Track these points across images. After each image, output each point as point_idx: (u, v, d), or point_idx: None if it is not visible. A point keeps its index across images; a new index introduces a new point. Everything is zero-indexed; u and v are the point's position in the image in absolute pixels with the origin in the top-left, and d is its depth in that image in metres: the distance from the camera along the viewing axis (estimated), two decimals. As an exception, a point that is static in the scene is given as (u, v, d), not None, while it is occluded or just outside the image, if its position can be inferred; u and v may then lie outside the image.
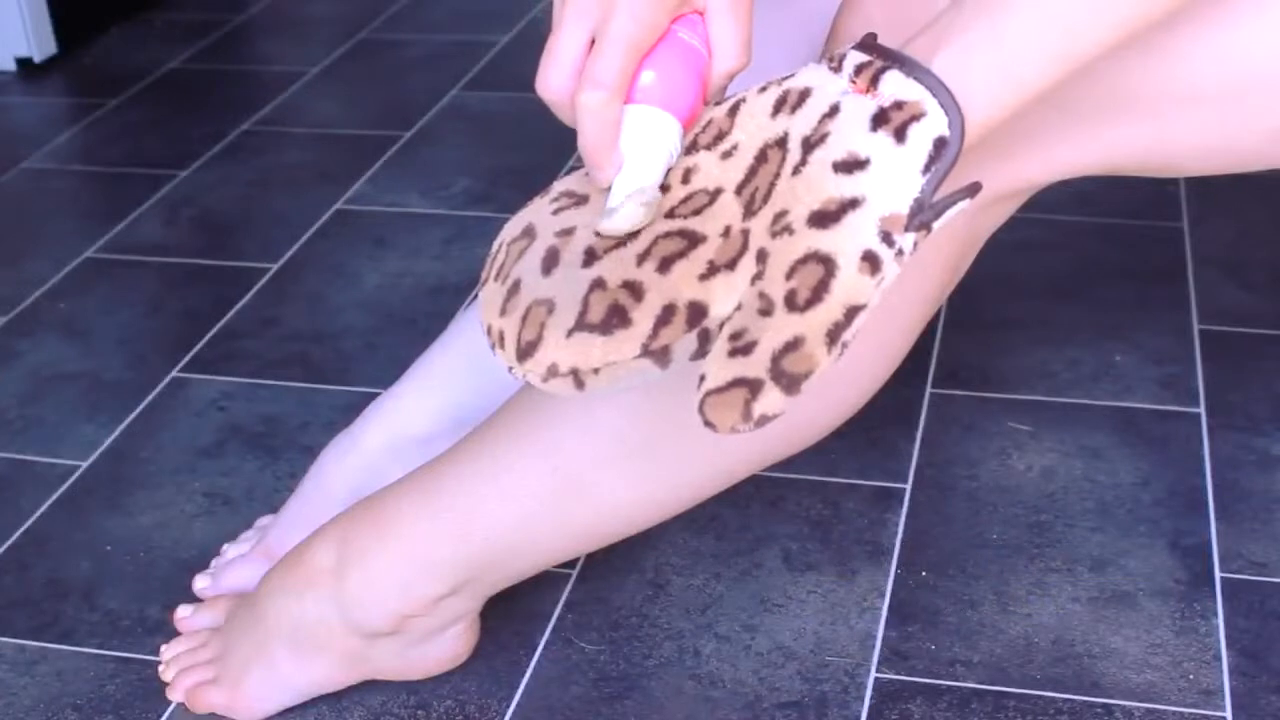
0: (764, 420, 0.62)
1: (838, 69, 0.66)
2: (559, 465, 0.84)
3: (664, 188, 0.69)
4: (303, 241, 1.49)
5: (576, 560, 1.04)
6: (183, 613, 0.98)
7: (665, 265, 0.66)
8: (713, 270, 0.65)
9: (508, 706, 0.92)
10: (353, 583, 0.88)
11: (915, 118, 0.63)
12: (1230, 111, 0.74)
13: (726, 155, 0.68)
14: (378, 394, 1.21)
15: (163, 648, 0.96)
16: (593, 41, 0.70)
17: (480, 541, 0.86)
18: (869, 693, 0.92)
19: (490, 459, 0.86)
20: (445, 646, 0.92)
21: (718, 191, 0.67)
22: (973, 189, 0.66)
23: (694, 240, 0.66)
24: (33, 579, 1.05)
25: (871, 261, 0.63)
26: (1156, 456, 1.12)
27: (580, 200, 0.70)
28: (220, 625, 0.95)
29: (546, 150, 1.66)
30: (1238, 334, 1.27)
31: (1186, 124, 0.75)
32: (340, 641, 0.90)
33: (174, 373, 1.28)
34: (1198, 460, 1.12)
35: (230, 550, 1.03)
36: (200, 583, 1.01)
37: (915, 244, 0.64)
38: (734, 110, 0.69)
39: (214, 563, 1.03)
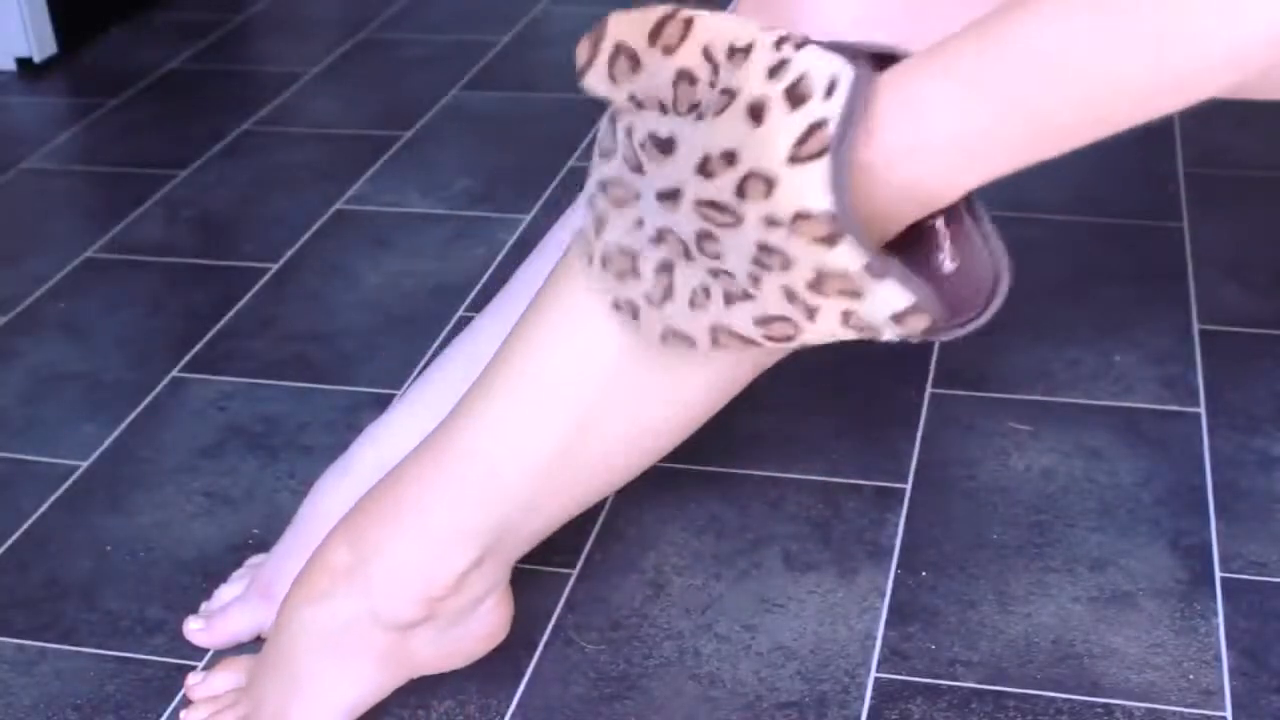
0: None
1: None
2: (563, 409, 0.82)
3: None
4: (302, 241, 1.49)
5: (576, 560, 1.04)
6: (193, 680, 0.94)
7: None
8: None
9: (508, 706, 0.92)
10: (375, 573, 0.86)
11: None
12: None
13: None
14: (378, 394, 1.21)
15: (183, 714, 0.92)
16: None
17: (498, 502, 0.85)
18: (869, 693, 0.92)
19: (495, 419, 0.84)
20: (482, 623, 0.90)
21: None
22: None
23: None
24: (33, 579, 1.05)
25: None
26: (1156, 456, 1.12)
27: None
28: (244, 684, 0.91)
29: (546, 150, 1.66)
30: (1238, 334, 1.27)
31: None
32: (374, 641, 0.87)
33: (174, 373, 1.28)
34: (1198, 460, 1.12)
35: (225, 591, 1.00)
36: (193, 624, 0.98)
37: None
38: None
39: (203, 606, 1.00)
